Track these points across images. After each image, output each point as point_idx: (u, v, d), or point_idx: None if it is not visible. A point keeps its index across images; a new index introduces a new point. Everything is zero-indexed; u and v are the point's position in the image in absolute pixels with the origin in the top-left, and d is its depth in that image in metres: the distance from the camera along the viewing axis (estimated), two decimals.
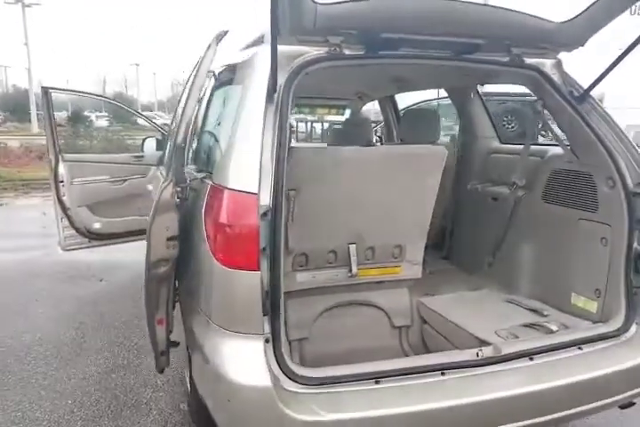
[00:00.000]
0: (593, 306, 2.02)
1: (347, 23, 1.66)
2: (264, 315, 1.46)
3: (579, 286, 2.09)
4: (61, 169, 3.92)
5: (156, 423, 2.34)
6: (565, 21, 1.87)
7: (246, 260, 1.43)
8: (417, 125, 2.44)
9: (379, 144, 3.85)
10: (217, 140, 1.90)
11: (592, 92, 2.04)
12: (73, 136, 13.05)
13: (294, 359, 1.75)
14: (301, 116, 9.04)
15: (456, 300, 2.36)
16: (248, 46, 2.13)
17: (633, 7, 2.04)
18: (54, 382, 2.69)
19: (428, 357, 1.80)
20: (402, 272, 2.32)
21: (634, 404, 1.90)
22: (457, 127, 3.40)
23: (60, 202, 3.96)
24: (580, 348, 1.78)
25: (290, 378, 1.47)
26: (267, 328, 1.48)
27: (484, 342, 1.88)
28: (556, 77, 2.02)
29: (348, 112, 4.43)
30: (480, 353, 1.71)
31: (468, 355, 1.71)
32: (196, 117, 2.37)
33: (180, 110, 2.21)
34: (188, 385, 2.24)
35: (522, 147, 2.47)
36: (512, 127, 9.66)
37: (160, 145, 4.46)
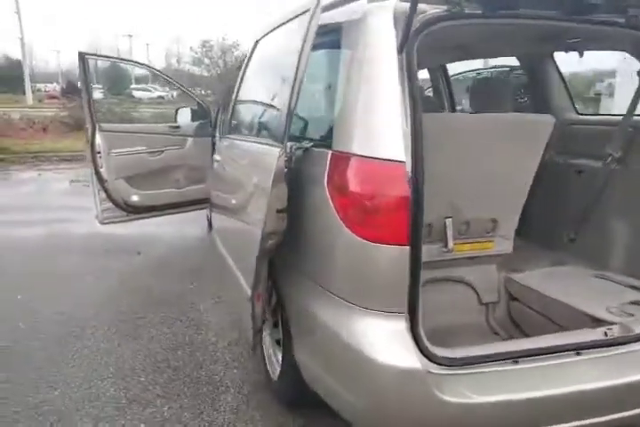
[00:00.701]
0: None
1: None
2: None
3: None
4: (98, 139, 3.75)
5: (238, 400, 2.28)
6: None
7: (395, 233, 1.32)
8: (490, 94, 2.31)
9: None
10: (330, 107, 1.74)
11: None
12: (75, 108, 12.68)
13: None
14: None
15: (547, 276, 2.28)
16: (338, 4, 1.95)
17: None
18: (120, 359, 2.61)
19: (562, 335, 1.73)
20: (494, 247, 2.23)
21: None
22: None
23: (98, 174, 3.82)
24: None
25: (430, 359, 1.39)
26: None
27: (598, 321, 1.80)
28: None
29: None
30: (609, 332, 1.63)
31: (596, 334, 1.63)
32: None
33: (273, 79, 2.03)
34: (276, 365, 2.18)
35: (605, 118, 2.35)
36: (525, 100, 9.54)
37: (197, 115, 4.29)
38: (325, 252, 1.54)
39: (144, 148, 3.95)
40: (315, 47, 2.12)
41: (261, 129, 1.96)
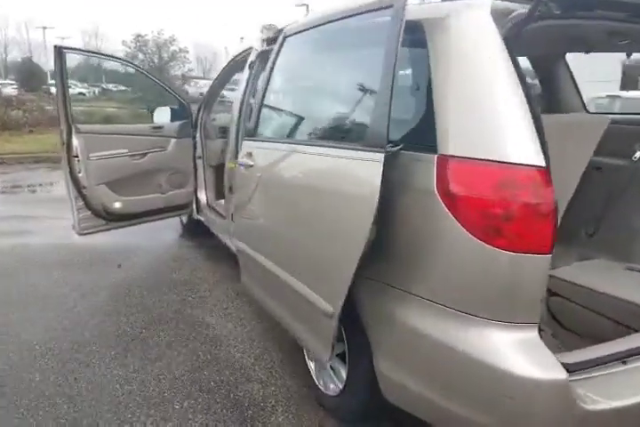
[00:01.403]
0: None
1: None
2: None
3: None
4: (75, 142, 3.39)
5: (290, 421, 2.13)
6: None
7: (540, 242, 1.26)
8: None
9: None
10: (423, 107, 1.64)
11: None
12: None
13: None
14: None
15: (583, 269, 2.32)
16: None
17: None
18: (143, 386, 2.36)
19: None
20: None
21: None
22: None
23: (75, 180, 3.45)
24: None
25: (564, 367, 1.35)
26: None
27: None
28: None
29: None
30: None
31: None
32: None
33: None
34: (337, 381, 2.06)
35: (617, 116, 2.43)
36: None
37: (177, 115, 4.03)
38: (438, 262, 1.44)
39: (126, 150, 3.63)
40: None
41: (342, 132, 1.81)
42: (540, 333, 1.37)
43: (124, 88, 17.58)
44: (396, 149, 1.60)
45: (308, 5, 30.40)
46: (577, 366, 1.39)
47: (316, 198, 1.73)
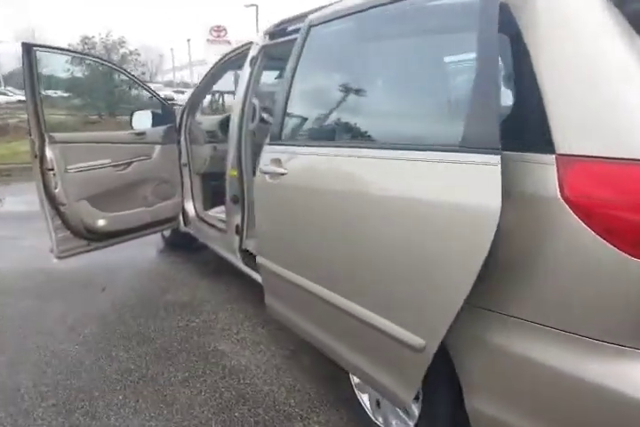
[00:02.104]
0: None
1: None
2: None
3: None
4: (49, 153, 2.96)
5: None
6: None
7: None
8: None
9: None
10: (531, 97, 1.37)
11: None
12: None
13: None
14: None
15: None
16: None
17: None
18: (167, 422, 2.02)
19: None
20: None
21: None
22: None
23: (50, 196, 3.02)
24: None
25: None
26: None
27: None
28: None
29: None
30: None
31: None
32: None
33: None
34: (407, 419, 1.78)
35: None
36: None
37: (160, 120, 3.65)
38: (566, 283, 1.20)
39: (108, 160, 3.21)
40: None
41: (424, 131, 1.52)
42: None
43: (65, 94, 16.58)
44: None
45: (257, 6, 29.91)
46: None
47: (401, 212, 1.43)
